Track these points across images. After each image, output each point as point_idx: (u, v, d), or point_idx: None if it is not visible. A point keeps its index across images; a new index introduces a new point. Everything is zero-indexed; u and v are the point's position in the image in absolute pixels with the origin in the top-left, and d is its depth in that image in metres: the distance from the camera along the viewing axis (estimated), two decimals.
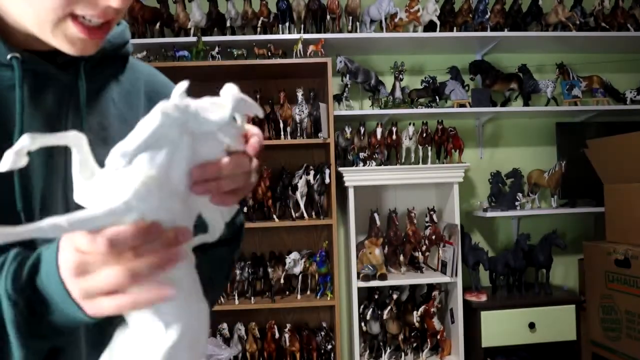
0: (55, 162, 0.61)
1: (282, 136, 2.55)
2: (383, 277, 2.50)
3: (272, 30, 2.72)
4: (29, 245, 0.52)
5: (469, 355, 2.57)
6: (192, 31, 2.59)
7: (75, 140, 0.46)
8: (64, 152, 0.61)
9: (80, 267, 0.43)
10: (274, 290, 2.53)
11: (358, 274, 2.53)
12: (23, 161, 0.42)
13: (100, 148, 0.63)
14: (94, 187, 0.45)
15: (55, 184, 0.60)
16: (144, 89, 0.74)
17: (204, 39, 2.54)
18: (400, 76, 2.72)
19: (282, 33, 2.66)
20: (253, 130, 0.52)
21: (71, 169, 0.57)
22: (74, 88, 0.64)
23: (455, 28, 2.76)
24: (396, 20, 2.68)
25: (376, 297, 2.60)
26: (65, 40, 0.55)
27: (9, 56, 0.58)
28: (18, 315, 0.47)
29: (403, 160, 2.73)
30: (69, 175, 0.60)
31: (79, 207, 0.43)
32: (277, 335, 2.53)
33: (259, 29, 2.66)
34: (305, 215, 2.56)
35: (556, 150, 2.92)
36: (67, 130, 0.46)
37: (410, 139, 2.66)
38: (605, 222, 2.49)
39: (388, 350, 2.57)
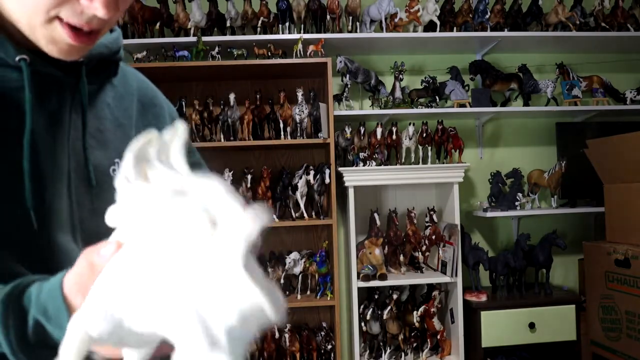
0: (59, 164, 0.61)
1: (282, 136, 2.55)
2: (383, 277, 2.50)
3: (272, 30, 2.72)
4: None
5: (469, 355, 2.57)
6: (192, 31, 2.59)
7: None
8: (67, 156, 0.63)
9: None
10: None
11: (358, 274, 2.53)
12: None
13: (98, 151, 0.66)
14: None
15: (60, 187, 0.61)
16: (136, 95, 0.76)
17: (204, 39, 2.54)
18: (400, 76, 2.72)
19: (282, 33, 2.66)
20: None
21: (73, 173, 0.62)
22: (75, 90, 0.64)
23: (455, 28, 2.76)
24: (396, 20, 2.68)
25: (376, 297, 2.60)
26: (51, 41, 0.55)
27: (17, 58, 0.58)
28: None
29: (403, 160, 2.73)
30: (72, 178, 0.63)
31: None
32: (277, 335, 2.53)
33: (259, 29, 2.66)
34: (305, 215, 2.56)
35: (556, 150, 2.92)
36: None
37: (410, 139, 2.66)
38: (605, 222, 2.49)
39: (388, 350, 2.57)
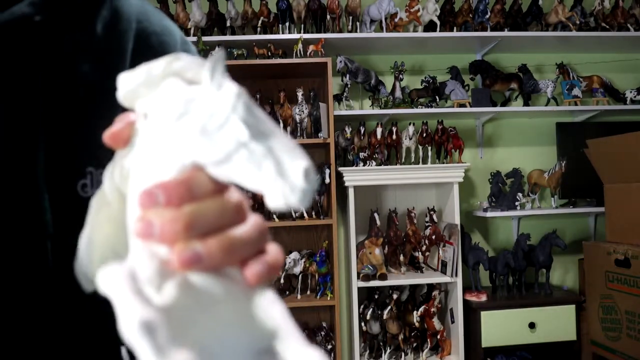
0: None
1: None
2: (383, 277, 2.50)
3: (272, 30, 2.72)
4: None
5: (469, 355, 2.57)
6: (192, 31, 2.59)
7: None
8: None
9: None
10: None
11: (358, 273, 2.53)
12: None
13: (57, 163, 0.42)
14: None
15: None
16: (132, 44, 0.48)
17: (204, 38, 2.54)
18: (401, 76, 2.72)
19: (282, 33, 2.66)
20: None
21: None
22: (31, 74, 0.41)
23: (455, 28, 2.76)
24: (396, 20, 2.68)
25: (376, 297, 2.60)
26: None
27: None
28: None
29: (403, 160, 2.72)
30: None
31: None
32: None
33: (259, 29, 2.66)
34: (305, 215, 2.56)
35: (556, 150, 2.92)
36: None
37: (410, 138, 2.66)
38: (605, 222, 2.48)
39: (388, 350, 2.57)
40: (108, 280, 0.23)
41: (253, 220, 0.28)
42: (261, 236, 0.28)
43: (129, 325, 0.21)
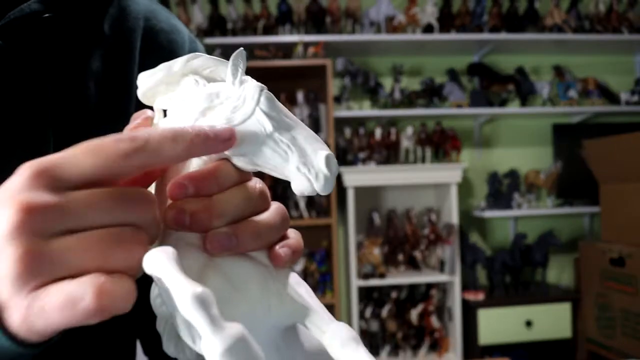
0: None
1: None
2: (382, 276, 2.53)
3: (272, 32, 2.74)
4: None
5: (467, 353, 2.60)
6: (193, 33, 2.61)
7: None
8: None
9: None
10: None
11: (357, 272, 2.56)
12: None
13: None
14: None
15: None
16: (140, 42, 0.49)
17: (205, 40, 2.56)
18: (399, 78, 2.75)
19: (283, 35, 2.68)
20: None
21: None
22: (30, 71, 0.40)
23: (453, 30, 2.79)
24: (395, 22, 2.71)
25: (375, 296, 2.63)
26: None
27: None
28: None
29: (402, 160, 2.75)
30: None
31: None
32: None
33: (259, 31, 2.69)
34: (305, 214, 2.58)
35: (552, 151, 2.95)
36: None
37: (409, 139, 2.69)
38: (601, 222, 2.52)
39: (387, 348, 2.60)
40: (154, 262, 0.24)
41: (276, 207, 0.30)
42: (284, 222, 0.30)
43: (184, 300, 0.22)
